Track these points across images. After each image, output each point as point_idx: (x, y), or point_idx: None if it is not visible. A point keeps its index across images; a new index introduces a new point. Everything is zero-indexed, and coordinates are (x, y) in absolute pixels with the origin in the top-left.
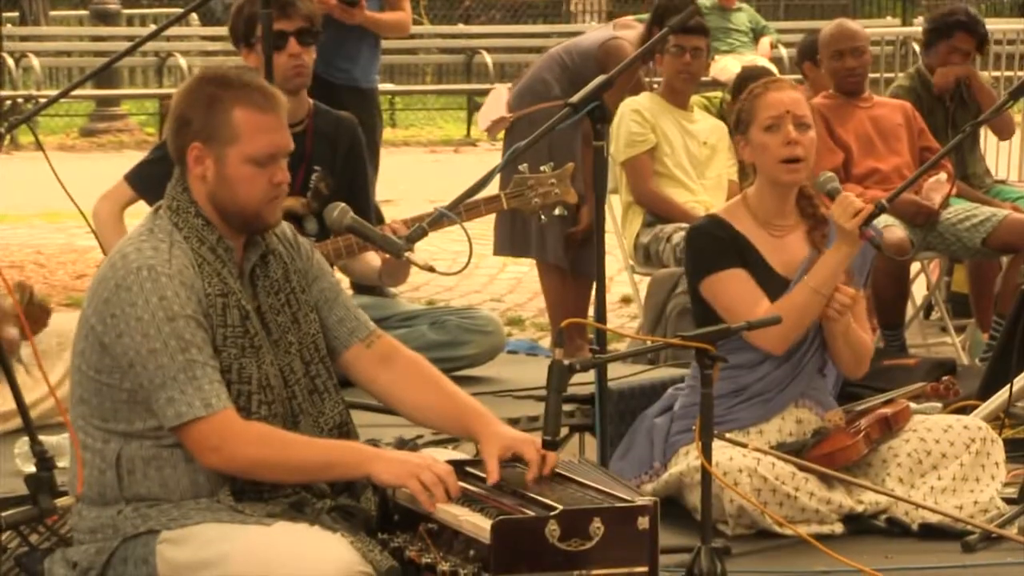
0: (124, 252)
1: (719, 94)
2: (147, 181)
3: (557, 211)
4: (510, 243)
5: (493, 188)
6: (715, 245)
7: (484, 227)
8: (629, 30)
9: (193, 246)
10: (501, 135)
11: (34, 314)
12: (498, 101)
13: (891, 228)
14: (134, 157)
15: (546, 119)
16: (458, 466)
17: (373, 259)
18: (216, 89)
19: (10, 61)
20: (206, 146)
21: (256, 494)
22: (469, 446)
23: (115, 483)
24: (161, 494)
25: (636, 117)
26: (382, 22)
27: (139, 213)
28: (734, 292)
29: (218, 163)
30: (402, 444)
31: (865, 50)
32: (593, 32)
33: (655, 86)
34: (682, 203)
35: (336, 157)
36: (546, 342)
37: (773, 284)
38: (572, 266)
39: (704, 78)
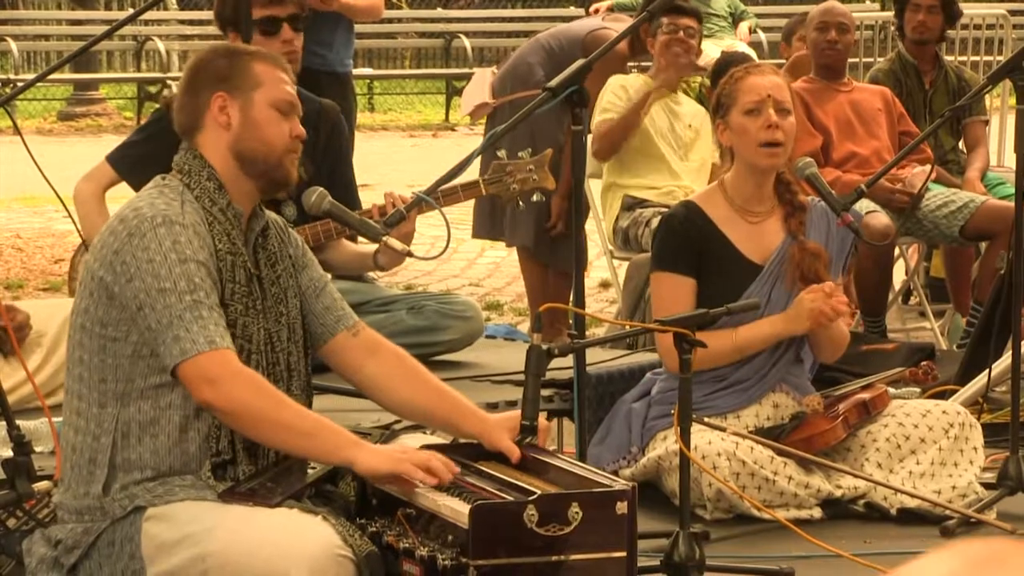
0: (136, 207)
1: (698, 79)
2: (129, 163)
3: (535, 197)
4: (489, 226)
5: (472, 173)
6: (679, 244)
7: (463, 212)
8: (620, 23)
9: (204, 205)
10: (483, 120)
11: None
12: (482, 85)
13: (876, 214)
14: (112, 141)
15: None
16: (437, 451)
17: (347, 247)
18: (231, 51)
19: None
20: (231, 95)
21: (233, 476)
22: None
23: (108, 448)
24: (151, 462)
25: (618, 91)
26: (356, 7)
27: (120, 196)
28: (668, 297)
29: (244, 108)
30: (382, 429)
31: (850, 29)
32: (582, 21)
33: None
34: (622, 117)
35: (317, 143)
36: (524, 327)
37: (744, 272)
38: (550, 258)
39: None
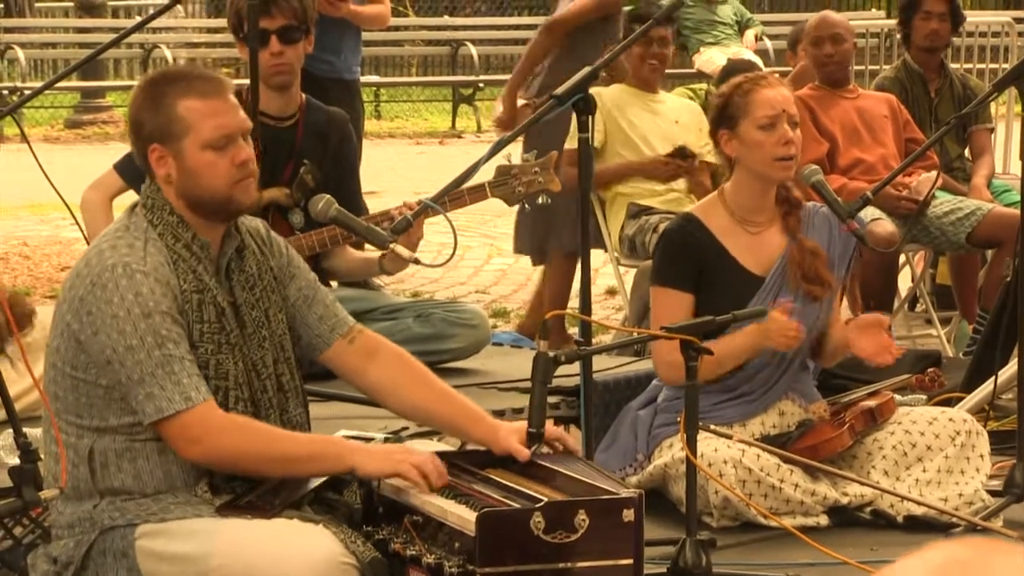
0: (100, 249)
1: (704, 86)
2: (137, 171)
3: (540, 199)
4: (530, 242)
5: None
6: (679, 259)
7: (469, 219)
8: None
9: (168, 243)
10: (489, 128)
11: (18, 316)
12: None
13: (880, 222)
14: (119, 149)
15: None
16: (444, 457)
17: (352, 253)
18: (158, 88)
19: None
20: (163, 145)
21: (230, 490)
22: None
23: (88, 477)
24: (135, 487)
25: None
26: (363, 15)
27: (127, 204)
28: (666, 312)
29: (177, 159)
30: (388, 436)
31: (845, 39)
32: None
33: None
34: (630, 159)
35: (326, 152)
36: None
37: (746, 284)
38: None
39: (689, 70)
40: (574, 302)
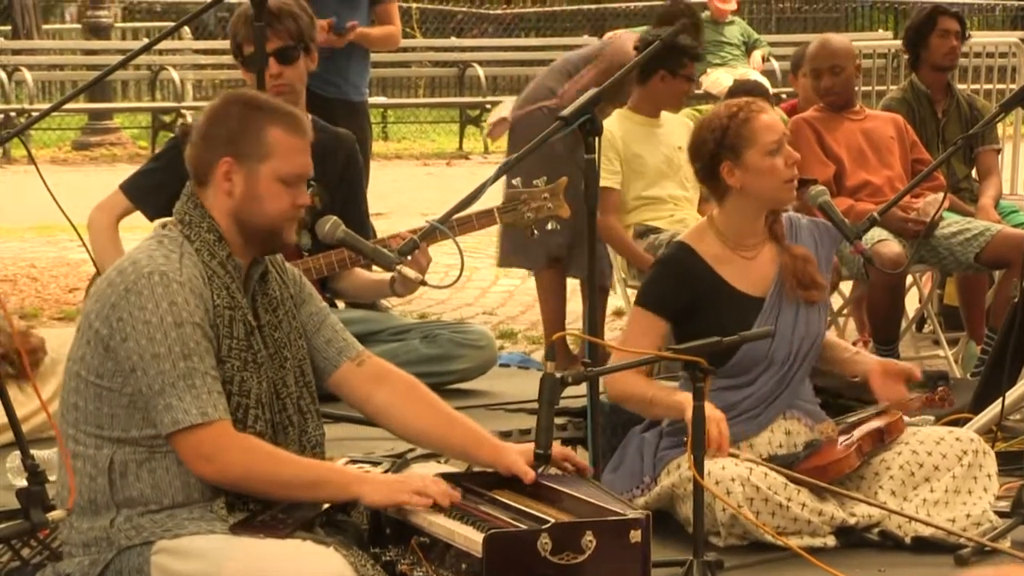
0: (135, 259)
1: (710, 107)
2: (142, 191)
3: (550, 225)
4: (512, 252)
5: (489, 201)
6: (667, 289)
7: (476, 241)
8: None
9: (204, 259)
10: (498, 147)
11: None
12: (503, 111)
13: (887, 243)
14: (126, 170)
15: (545, 121)
16: (451, 479)
17: (361, 275)
18: (248, 108)
19: (2, 75)
20: (237, 162)
21: (245, 507)
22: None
23: (106, 488)
24: (152, 496)
25: (608, 154)
26: (372, 37)
27: (133, 225)
28: (637, 333)
29: (248, 179)
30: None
31: (844, 68)
32: (594, 44)
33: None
34: (634, 248)
35: (333, 173)
36: (538, 355)
37: (747, 307)
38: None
39: (696, 91)
40: (579, 323)
